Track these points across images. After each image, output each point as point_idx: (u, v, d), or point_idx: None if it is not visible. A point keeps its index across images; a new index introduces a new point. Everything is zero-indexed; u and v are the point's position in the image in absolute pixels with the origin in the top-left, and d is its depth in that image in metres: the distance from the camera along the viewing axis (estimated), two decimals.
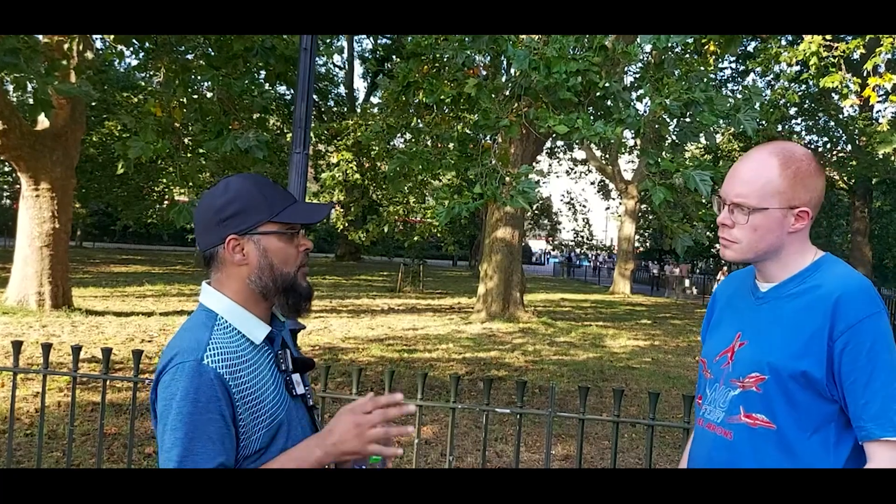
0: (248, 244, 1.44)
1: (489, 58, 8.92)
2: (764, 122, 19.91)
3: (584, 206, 46.27)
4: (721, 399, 1.63)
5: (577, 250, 49.38)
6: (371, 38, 32.93)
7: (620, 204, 31.64)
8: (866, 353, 1.45)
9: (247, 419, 1.38)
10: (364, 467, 1.54)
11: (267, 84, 8.24)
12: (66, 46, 9.44)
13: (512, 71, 9.47)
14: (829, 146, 25.54)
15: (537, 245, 65.25)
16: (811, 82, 17.96)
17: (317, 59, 5.44)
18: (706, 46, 15.06)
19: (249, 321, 1.45)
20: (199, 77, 7.63)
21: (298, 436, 1.48)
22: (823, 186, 1.60)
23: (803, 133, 25.69)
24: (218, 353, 1.37)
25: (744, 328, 1.64)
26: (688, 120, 5.55)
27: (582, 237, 46.88)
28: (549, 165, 38.33)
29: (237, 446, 1.38)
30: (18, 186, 14.10)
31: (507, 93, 6.33)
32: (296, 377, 1.53)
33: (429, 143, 8.81)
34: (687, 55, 17.04)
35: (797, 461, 1.50)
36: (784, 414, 1.51)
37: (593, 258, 51.42)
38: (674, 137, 5.83)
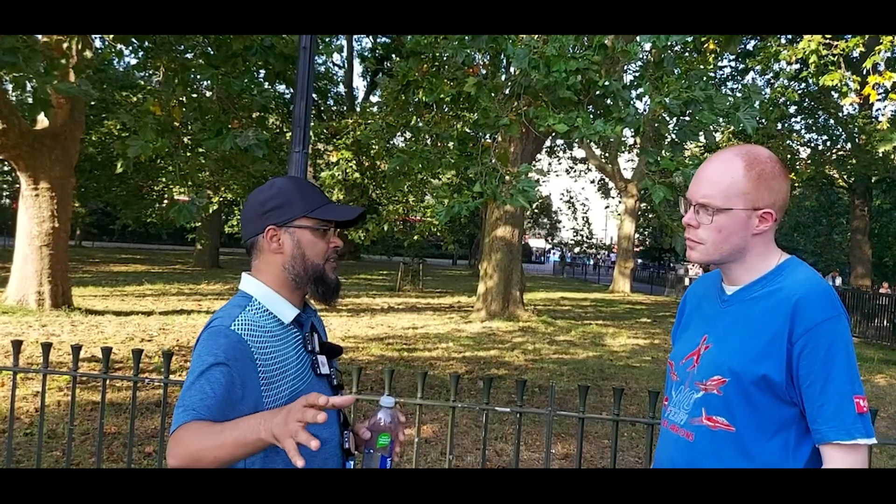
0: (284, 235, 1.63)
1: (489, 56, 8.91)
2: (763, 121, 19.93)
3: (585, 206, 46.26)
4: (685, 401, 1.65)
5: (577, 249, 49.34)
6: (370, 37, 32.90)
7: (620, 202, 31.65)
8: (823, 357, 1.47)
9: (271, 379, 1.53)
10: (371, 451, 1.64)
11: (266, 83, 8.24)
12: (65, 45, 9.43)
13: (511, 70, 9.47)
14: (828, 144, 25.53)
15: (537, 244, 65.20)
16: (811, 80, 17.99)
17: (316, 57, 5.43)
18: (706, 45, 15.05)
19: (280, 304, 1.63)
20: (198, 76, 7.62)
21: None
22: (788, 190, 1.62)
23: (803, 131, 25.68)
24: (245, 324, 1.54)
25: (710, 331, 1.66)
26: (687, 118, 5.55)
27: (582, 236, 46.86)
28: (549, 164, 38.30)
29: (263, 401, 1.50)
30: (18, 186, 14.09)
31: (507, 91, 6.33)
32: (322, 359, 1.68)
33: (428, 141, 8.81)
34: (686, 54, 17.05)
35: (755, 464, 1.52)
36: (744, 417, 1.53)
37: (593, 256, 51.39)
38: (673, 136, 5.82)
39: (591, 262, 47.93)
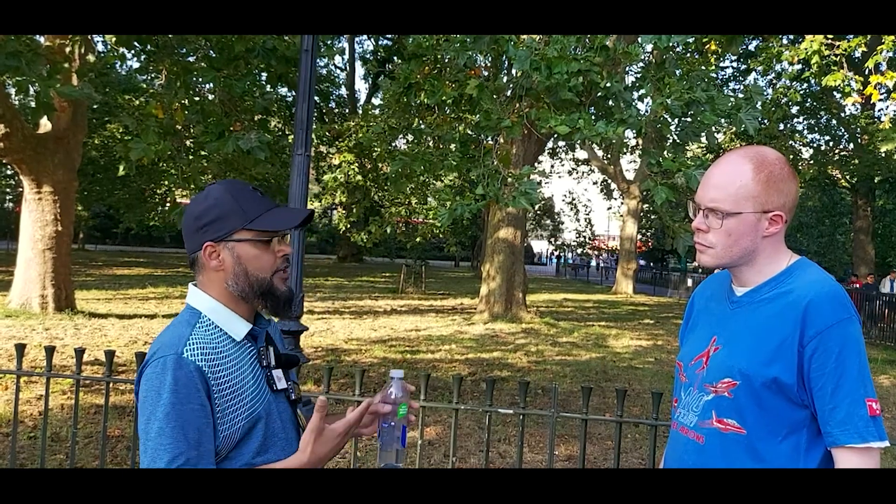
0: (223, 251, 1.51)
1: (490, 58, 8.92)
2: (766, 121, 19.90)
3: (587, 207, 46.25)
4: (695, 403, 1.64)
5: (579, 250, 49.29)
6: (372, 40, 32.96)
7: (622, 204, 31.62)
8: (835, 359, 1.46)
9: (225, 410, 1.44)
10: (392, 424, 1.62)
11: (268, 85, 8.25)
12: (67, 49, 9.45)
13: (513, 71, 9.47)
14: (831, 145, 25.49)
15: (539, 245, 65.15)
16: (813, 81, 17.95)
17: (318, 60, 5.44)
18: (707, 46, 15.05)
19: (231, 319, 1.53)
20: (200, 79, 7.64)
21: (278, 429, 1.54)
22: (797, 190, 1.61)
23: (805, 132, 25.64)
24: (197, 347, 1.44)
25: (719, 333, 1.65)
26: (689, 119, 5.55)
27: (584, 237, 46.82)
28: (552, 166, 38.30)
29: (216, 435, 1.43)
30: (21, 190, 14.11)
31: (509, 93, 6.33)
32: (277, 373, 1.59)
33: (430, 144, 8.81)
34: (688, 55, 17.04)
35: (766, 466, 1.51)
36: (754, 419, 1.53)
37: (596, 257, 51.35)
38: (675, 137, 5.82)
39: (594, 263, 47.91)
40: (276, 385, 1.56)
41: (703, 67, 14.50)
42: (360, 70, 51.04)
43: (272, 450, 1.52)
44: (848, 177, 25.45)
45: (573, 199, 46.17)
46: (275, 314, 1.57)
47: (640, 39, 6.19)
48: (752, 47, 21.41)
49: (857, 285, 19.74)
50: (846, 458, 1.46)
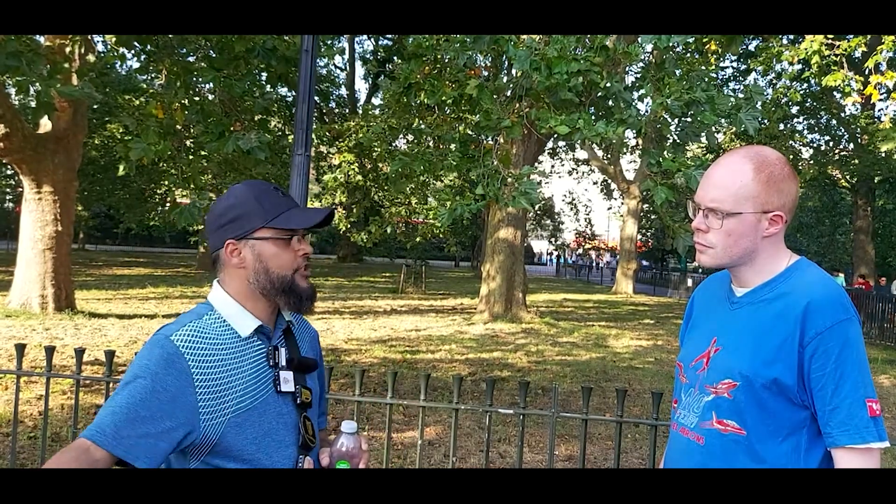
0: (244, 248, 1.56)
1: (490, 58, 8.92)
2: (766, 122, 19.92)
3: (587, 207, 46.34)
4: (695, 404, 1.64)
5: (579, 250, 49.35)
6: (372, 40, 32.98)
7: (623, 204, 31.64)
8: (835, 360, 1.46)
9: (210, 399, 1.47)
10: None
11: (268, 85, 8.25)
12: (67, 49, 9.45)
13: (513, 71, 9.48)
14: (831, 145, 25.51)
15: (539, 245, 65.14)
16: (813, 81, 17.97)
17: (318, 60, 5.44)
18: (707, 46, 15.06)
19: (240, 317, 1.56)
20: (200, 79, 7.63)
21: (272, 429, 1.55)
22: (797, 191, 1.61)
23: (805, 132, 25.66)
24: (188, 335, 1.49)
25: (719, 333, 1.64)
26: (689, 119, 5.54)
27: (584, 237, 46.90)
28: (552, 166, 38.34)
29: (199, 421, 1.45)
30: (21, 189, 14.11)
31: (509, 93, 6.33)
32: (285, 375, 1.59)
33: (430, 144, 8.82)
34: (688, 55, 17.05)
35: (766, 467, 1.51)
36: (754, 420, 1.52)
37: (596, 257, 51.39)
38: (675, 137, 5.81)
39: (593, 263, 47.97)
40: (281, 386, 1.57)
41: (703, 67, 14.51)
42: (360, 70, 51.10)
43: (263, 449, 1.52)
44: (848, 177, 25.47)
45: (573, 199, 46.25)
46: (298, 311, 1.60)
47: (640, 39, 6.19)
48: (752, 47, 21.42)
49: (865, 288, 19.63)
50: (846, 459, 1.45)
